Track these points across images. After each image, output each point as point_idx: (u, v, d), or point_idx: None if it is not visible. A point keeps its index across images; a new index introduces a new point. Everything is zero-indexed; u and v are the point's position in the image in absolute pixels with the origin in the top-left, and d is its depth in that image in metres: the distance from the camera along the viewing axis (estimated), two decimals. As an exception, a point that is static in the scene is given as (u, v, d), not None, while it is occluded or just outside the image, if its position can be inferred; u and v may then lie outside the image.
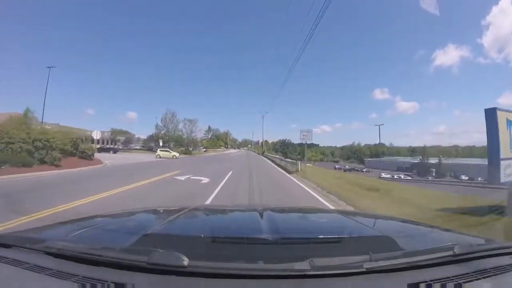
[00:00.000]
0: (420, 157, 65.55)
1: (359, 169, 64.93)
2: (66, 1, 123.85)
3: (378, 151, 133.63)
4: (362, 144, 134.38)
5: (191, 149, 63.18)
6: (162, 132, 55.94)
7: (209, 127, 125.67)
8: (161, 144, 45.07)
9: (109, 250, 0.85)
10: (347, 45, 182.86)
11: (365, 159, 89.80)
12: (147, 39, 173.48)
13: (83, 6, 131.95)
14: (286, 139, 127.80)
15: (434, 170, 61.13)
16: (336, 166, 65.88)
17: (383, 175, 52.94)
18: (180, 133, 58.83)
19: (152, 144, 48.77)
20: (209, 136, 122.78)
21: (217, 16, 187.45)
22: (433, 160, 63.92)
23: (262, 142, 67.98)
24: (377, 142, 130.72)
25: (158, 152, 32.68)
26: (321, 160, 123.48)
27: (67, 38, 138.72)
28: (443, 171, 61.57)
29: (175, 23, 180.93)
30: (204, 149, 73.87)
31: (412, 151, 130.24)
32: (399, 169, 69.06)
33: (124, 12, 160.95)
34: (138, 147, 58.55)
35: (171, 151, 34.43)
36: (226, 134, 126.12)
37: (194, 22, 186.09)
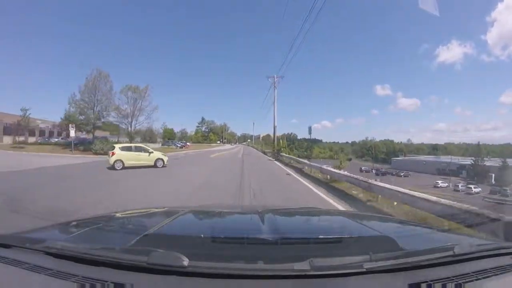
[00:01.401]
0: (473, 158, 50.34)
1: (394, 173, 50.09)
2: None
3: (395, 148, 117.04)
4: (377, 139, 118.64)
5: (162, 145, 43.59)
6: (83, 110, 27.31)
7: (203, 119, 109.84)
8: (72, 133, 22.39)
9: (109, 250, 0.86)
10: (348, 40, 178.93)
11: (392, 158, 74.29)
12: (136, 23, 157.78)
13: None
14: (291, 133, 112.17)
15: (492, 175, 45.79)
16: (363, 168, 51.25)
17: (441, 183, 37.37)
18: (118, 115, 30.38)
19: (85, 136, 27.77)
20: (203, 129, 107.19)
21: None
22: (488, 162, 48.71)
23: (274, 130, 32.23)
24: (381, 138, 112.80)
25: (118, 153, 12.82)
26: (331, 157, 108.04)
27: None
28: (506, 177, 45.99)
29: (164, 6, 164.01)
30: (180, 144, 49.22)
31: (434, 148, 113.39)
32: (441, 172, 53.73)
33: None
34: (56, 139, 35.12)
35: (151, 151, 14.33)
36: (223, 127, 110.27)
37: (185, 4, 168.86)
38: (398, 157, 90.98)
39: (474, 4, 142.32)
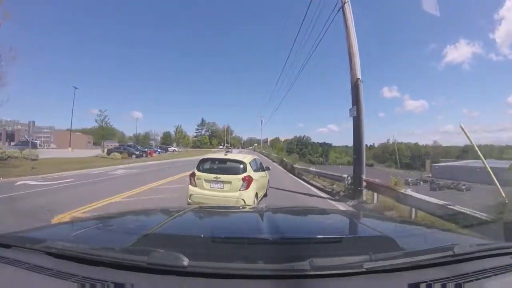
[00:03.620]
0: None
1: (451, 185, 37.71)
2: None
3: (421, 152, 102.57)
4: (399, 141, 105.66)
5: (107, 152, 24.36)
6: None
7: (203, 120, 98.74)
8: None
9: (109, 250, 0.85)
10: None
11: (433, 164, 60.94)
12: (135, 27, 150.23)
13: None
14: (304, 135, 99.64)
15: None
16: (409, 180, 39.41)
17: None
18: None
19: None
20: (203, 132, 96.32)
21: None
22: None
23: (355, 92, 7.81)
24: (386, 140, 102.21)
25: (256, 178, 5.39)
26: (348, 163, 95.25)
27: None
28: None
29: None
30: (139, 151, 28.40)
31: (463, 150, 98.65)
32: (505, 181, 40.71)
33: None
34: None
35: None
36: (227, 130, 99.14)
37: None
38: (425, 162, 77.92)
39: (482, 1, 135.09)
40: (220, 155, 6.32)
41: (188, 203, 5.24)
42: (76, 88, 32.79)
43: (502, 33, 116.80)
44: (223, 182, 5.26)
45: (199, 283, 0.72)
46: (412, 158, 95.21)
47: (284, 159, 24.48)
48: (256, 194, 5.53)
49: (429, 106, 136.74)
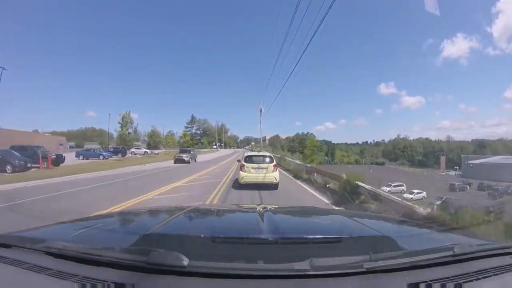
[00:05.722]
0: None
1: (510, 191, 29.24)
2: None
3: (434, 148, 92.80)
4: (411, 138, 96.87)
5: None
6: None
7: (193, 117, 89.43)
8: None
9: (109, 250, 0.86)
10: (349, 38, 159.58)
11: (468, 162, 50.19)
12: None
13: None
14: (308, 132, 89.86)
15: None
16: (456, 185, 31.34)
17: None
18: None
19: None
20: (193, 130, 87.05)
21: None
22: None
23: None
24: (387, 138, 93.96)
25: None
26: (357, 162, 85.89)
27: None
28: None
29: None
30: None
31: (480, 146, 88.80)
32: None
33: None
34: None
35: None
36: (221, 128, 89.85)
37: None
38: (440, 158, 68.77)
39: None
40: (256, 153, 11.06)
41: (241, 183, 9.01)
42: (3, 69, 22.45)
43: (499, 27, 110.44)
44: (262, 168, 9.09)
45: (199, 283, 0.72)
46: (425, 154, 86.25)
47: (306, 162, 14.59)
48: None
49: (426, 102, 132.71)
